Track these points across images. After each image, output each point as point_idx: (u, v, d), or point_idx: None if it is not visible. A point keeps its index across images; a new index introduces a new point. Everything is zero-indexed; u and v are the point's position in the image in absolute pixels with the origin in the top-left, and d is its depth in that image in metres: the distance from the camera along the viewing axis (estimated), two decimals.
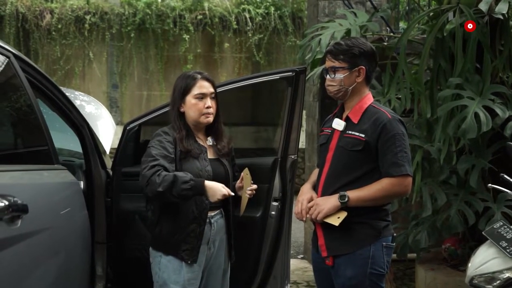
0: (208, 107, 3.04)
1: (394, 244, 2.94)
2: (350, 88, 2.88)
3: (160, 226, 3.02)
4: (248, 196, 3.07)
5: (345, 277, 2.83)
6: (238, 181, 3.14)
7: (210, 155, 3.11)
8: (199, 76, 3.07)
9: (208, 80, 3.09)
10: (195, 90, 3.04)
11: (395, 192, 2.83)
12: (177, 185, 2.84)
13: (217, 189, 2.90)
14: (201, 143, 3.10)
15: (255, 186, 3.09)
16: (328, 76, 2.89)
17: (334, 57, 2.88)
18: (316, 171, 3.06)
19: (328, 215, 2.81)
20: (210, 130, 3.16)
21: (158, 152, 2.93)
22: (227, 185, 3.01)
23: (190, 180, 2.87)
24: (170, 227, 2.99)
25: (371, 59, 2.91)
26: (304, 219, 2.91)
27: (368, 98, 2.92)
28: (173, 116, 3.08)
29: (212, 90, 3.08)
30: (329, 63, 2.90)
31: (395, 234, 2.95)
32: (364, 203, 2.80)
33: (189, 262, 2.97)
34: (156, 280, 3.04)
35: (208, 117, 3.06)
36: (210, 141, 3.15)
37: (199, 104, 3.04)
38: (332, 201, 2.80)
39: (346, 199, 2.77)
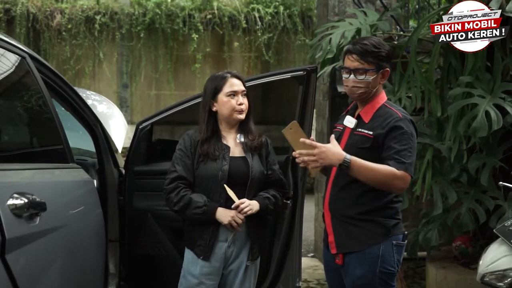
0: (240, 104, 3.09)
1: (406, 242, 2.90)
2: (374, 90, 2.85)
3: (184, 220, 3.14)
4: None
5: (355, 276, 2.83)
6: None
7: (236, 153, 3.11)
8: (229, 74, 3.13)
9: (238, 77, 3.14)
10: (227, 88, 3.09)
11: (394, 184, 2.73)
12: (190, 209, 2.99)
13: (226, 215, 2.99)
14: (224, 142, 3.11)
15: (238, 202, 3.02)
16: (352, 76, 2.82)
17: (362, 57, 2.80)
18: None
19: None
20: (241, 127, 3.17)
21: (180, 160, 3.06)
22: (247, 183, 3.05)
23: (204, 206, 2.99)
24: (190, 222, 3.09)
25: (391, 60, 2.91)
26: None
27: (381, 98, 2.89)
28: (203, 117, 3.11)
29: (242, 88, 3.12)
30: (355, 64, 2.82)
31: (406, 232, 2.92)
32: (364, 173, 2.70)
33: (201, 257, 3.03)
34: (183, 269, 3.15)
35: (241, 113, 3.10)
36: (239, 138, 3.16)
37: (232, 101, 3.08)
38: (336, 158, 2.70)
39: (349, 162, 2.68)
